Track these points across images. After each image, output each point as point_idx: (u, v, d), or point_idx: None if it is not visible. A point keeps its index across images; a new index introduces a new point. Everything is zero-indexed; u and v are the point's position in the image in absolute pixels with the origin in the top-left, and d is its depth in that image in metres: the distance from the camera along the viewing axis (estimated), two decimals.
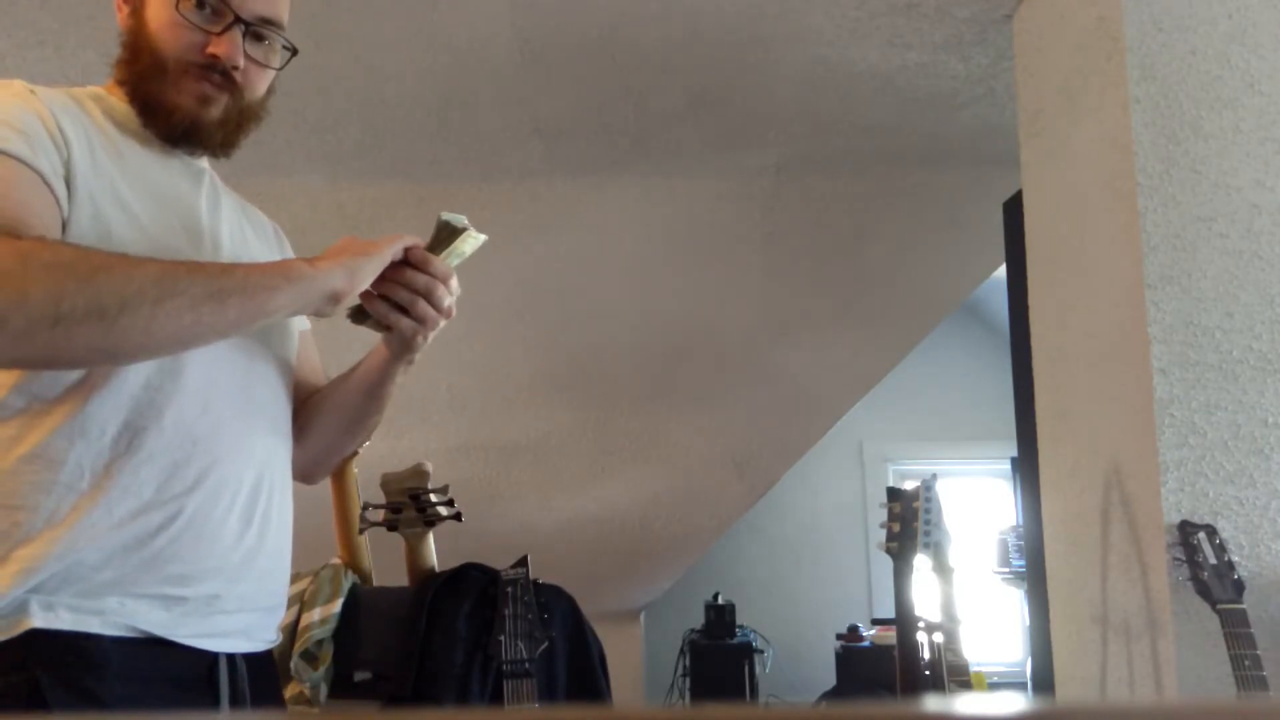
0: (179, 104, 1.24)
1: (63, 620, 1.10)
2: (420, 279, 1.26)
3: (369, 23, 2.57)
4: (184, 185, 1.28)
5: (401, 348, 1.33)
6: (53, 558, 1.10)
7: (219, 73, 1.24)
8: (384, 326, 1.30)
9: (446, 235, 1.28)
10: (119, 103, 1.26)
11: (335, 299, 1.18)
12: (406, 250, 1.26)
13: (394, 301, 1.27)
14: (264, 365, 1.31)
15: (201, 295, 1.10)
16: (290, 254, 1.47)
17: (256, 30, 1.26)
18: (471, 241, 1.30)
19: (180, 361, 1.19)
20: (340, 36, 2.60)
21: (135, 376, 1.16)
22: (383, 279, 1.25)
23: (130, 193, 1.19)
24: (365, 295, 1.26)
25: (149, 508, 1.15)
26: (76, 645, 1.10)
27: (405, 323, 1.28)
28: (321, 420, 1.43)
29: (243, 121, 1.28)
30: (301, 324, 1.46)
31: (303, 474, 1.48)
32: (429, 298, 1.27)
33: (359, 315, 1.29)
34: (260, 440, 1.28)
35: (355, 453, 2.18)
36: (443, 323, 1.31)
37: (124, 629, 1.13)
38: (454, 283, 1.29)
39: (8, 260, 1.04)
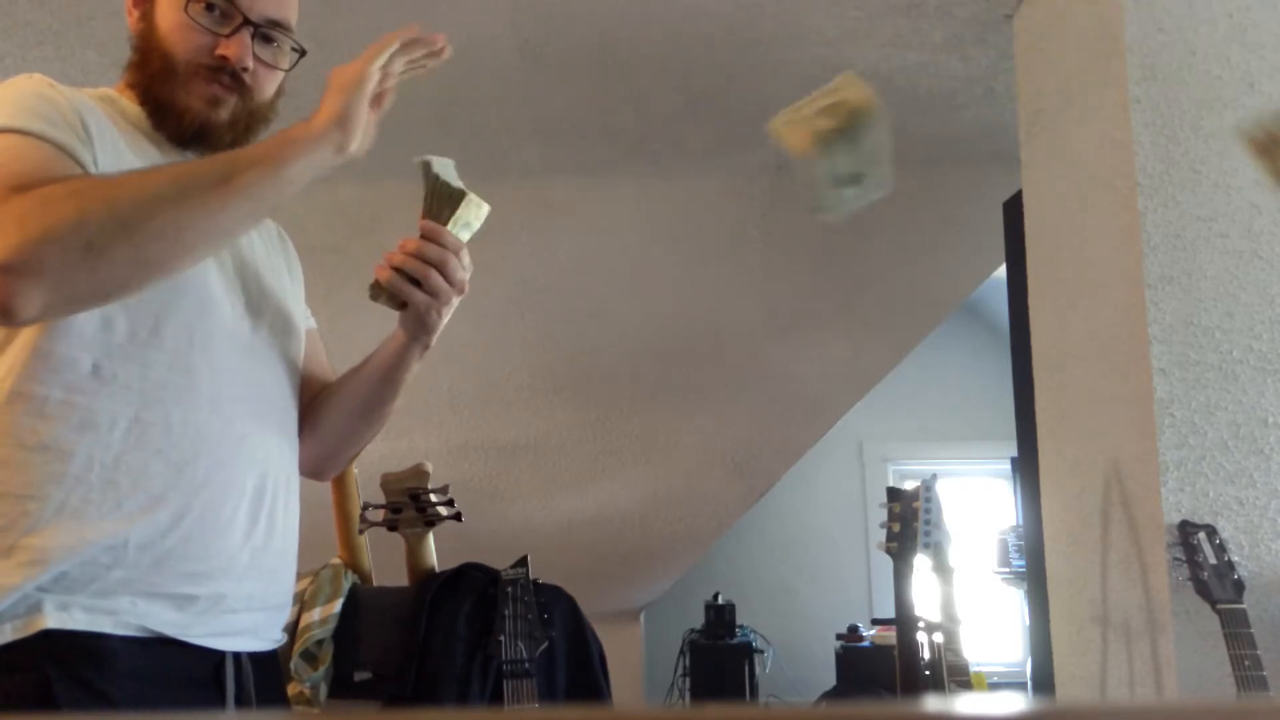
0: (189, 106, 1.25)
1: (76, 620, 1.11)
2: (432, 250, 1.26)
3: (368, 22, 2.57)
4: None
5: (416, 326, 1.32)
6: (63, 548, 1.11)
7: (228, 74, 1.25)
8: (399, 304, 1.29)
9: (447, 196, 1.28)
10: (130, 104, 1.27)
11: (342, 148, 1.17)
12: (421, 224, 1.27)
13: (408, 276, 1.27)
14: (272, 365, 1.32)
15: (217, 180, 1.11)
16: (294, 255, 1.49)
17: (265, 32, 1.27)
18: (476, 210, 1.29)
19: (190, 360, 1.20)
20: (340, 36, 2.60)
21: (146, 371, 1.17)
22: (394, 251, 1.27)
23: None
24: (379, 269, 1.27)
25: (158, 504, 1.16)
26: (87, 645, 1.11)
27: (419, 296, 1.27)
28: (334, 412, 1.42)
29: (252, 123, 1.29)
30: (308, 322, 1.46)
31: (315, 470, 1.48)
32: (441, 269, 1.26)
33: (375, 290, 1.29)
34: (267, 440, 1.28)
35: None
36: (455, 299, 1.30)
37: (135, 629, 1.14)
38: (465, 257, 1.29)
39: (26, 204, 1.06)
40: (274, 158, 1.14)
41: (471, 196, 1.28)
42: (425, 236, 1.27)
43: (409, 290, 1.27)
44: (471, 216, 1.30)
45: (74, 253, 1.05)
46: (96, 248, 1.06)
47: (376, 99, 1.21)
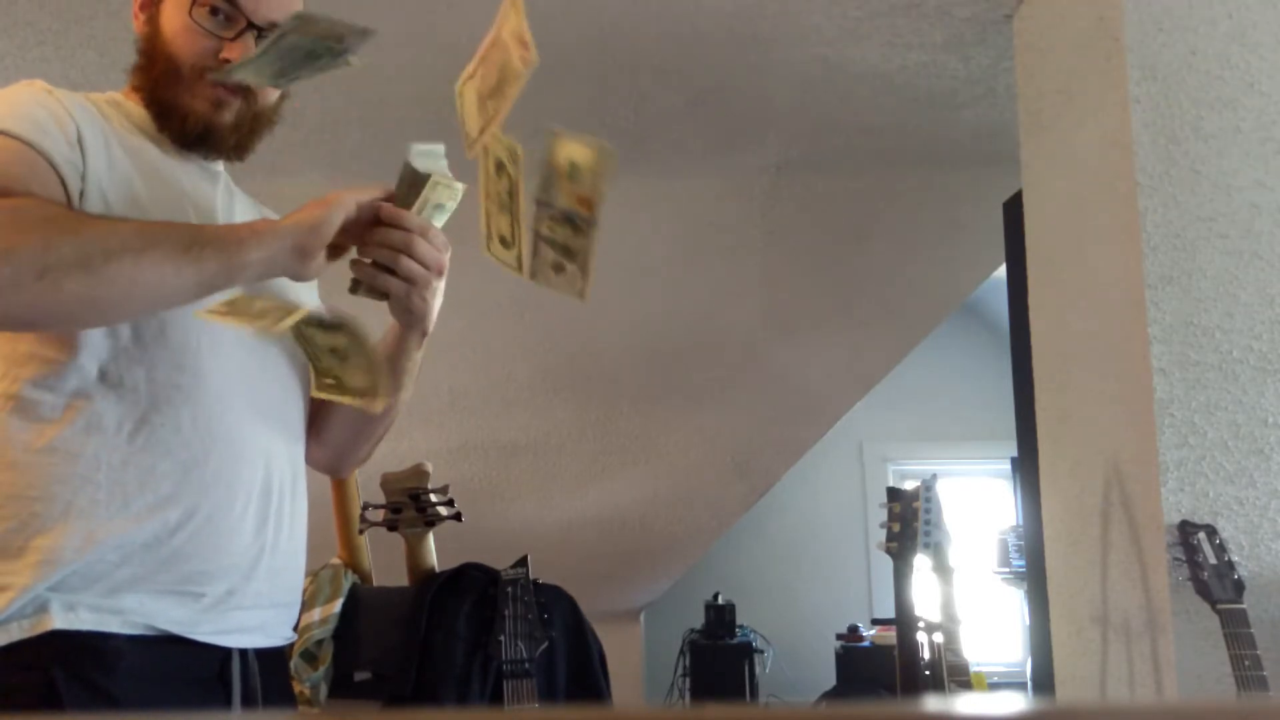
0: (193, 108, 1.25)
1: (83, 621, 1.12)
2: (395, 235, 1.23)
3: (368, 23, 2.56)
4: (201, 187, 1.30)
5: (404, 313, 1.31)
6: (70, 549, 1.11)
7: None
8: (380, 294, 1.28)
9: (412, 181, 1.24)
10: (136, 107, 1.28)
11: (301, 253, 1.16)
12: (380, 209, 1.23)
13: (381, 266, 1.25)
14: (279, 365, 1.32)
15: (180, 247, 1.12)
16: None
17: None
18: (447, 191, 1.26)
19: (198, 361, 1.20)
20: None
21: (153, 373, 1.18)
22: (362, 242, 1.24)
23: (147, 195, 1.21)
24: (353, 263, 1.26)
25: (166, 504, 1.17)
26: (92, 644, 1.12)
27: (394, 283, 1.25)
28: (343, 408, 1.42)
29: (256, 126, 1.30)
30: None
31: (331, 467, 1.49)
32: (409, 253, 1.24)
33: (353, 284, 1.27)
34: (274, 440, 1.29)
35: None
36: (437, 282, 1.28)
37: (142, 628, 1.15)
38: (438, 237, 1.26)
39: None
40: (237, 241, 1.15)
41: (438, 178, 1.24)
42: (387, 222, 1.23)
43: (383, 279, 1.25)
44: (443, 198, 1.26)
45: (27, 276, 1.06)
46: (49, 277, 1.06)
47: (334, 249, 1.20)
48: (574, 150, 1.12)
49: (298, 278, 1.20)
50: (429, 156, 1.25)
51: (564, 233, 1.17)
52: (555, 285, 1.21)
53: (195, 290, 1.16)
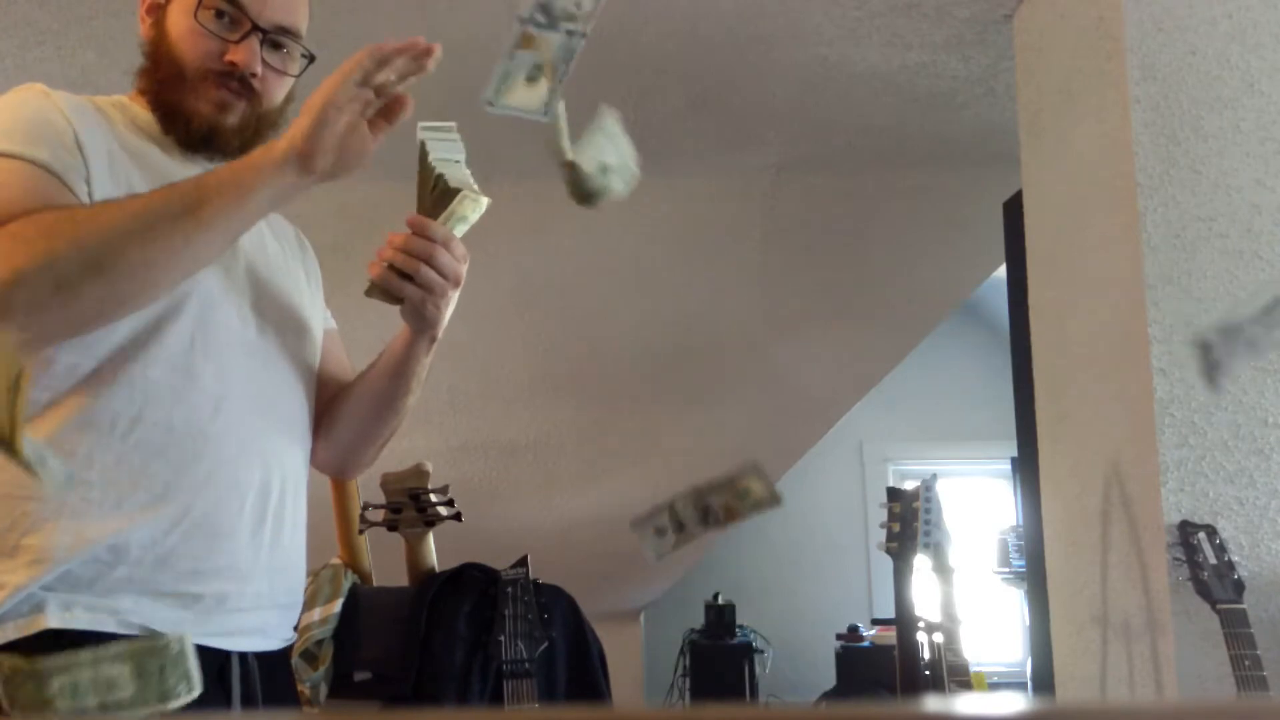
0: (198, 110, 1.26)
1: (79, 620, 1.11)
2: (418, 244, 1.25)
3: (368, 22, 2.57)
4: None
5: (416, 320, 1.31)
6: (62, 548, 1.11)
7: (237, 80, 1.26)
8: (395, 299, 1.29)
9: (439, 187, 1.25)
10: (141, 110, 1.29)
11: (305, 170, 1.13)
12: (406, 216, 1.25)
13: (400, 271, 1.26)
14: (281, 367, 1.32)
15: (180, 213, 1.11)
16: (312, 257, 1.49)
17: (274, 38, 1.28)
18: (472, 204, 1.27)
19: (192, 362, 1.20)
20: (340, 36, 2.60)
21: (148, 372, 1.17)
22: (385, 246, 1.26)
23: None
24: (371, 266, 1.27)
25: (159, 503, 1.16)
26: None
27: (411, 290, 1.26)
28: (350, 410, 1.42)
29: (260, 128, 1.30)
30: (328, 322, 1.46)
31: (338, 468, 1.49)
32: (430, 262, 1.25)
33: (370, 287, 1.29)
34: (273, 441, 1.29)
35: None
36: (452, 292, 1.29)
37: (138, 628, 1.14)
38: (458, 248, 1.27)
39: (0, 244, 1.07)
40: (237, 185, 1.13)
41: (466, 193, 1.26)
42: (412, 230, 1.25)
43: (400, 285, 1.26)
44: (467, 210, 1.28)
45: (43, 293, 1.07)
46: (66, 287, 1.07)
47: (385, 114, 1.19)
48: (757, 486, 1.15)
49: (318, 181, 1.16)
50: (440, 133, 1.26)
51: (691, 517, 1.21)
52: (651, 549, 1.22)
53: (212, 247, 1.16)
